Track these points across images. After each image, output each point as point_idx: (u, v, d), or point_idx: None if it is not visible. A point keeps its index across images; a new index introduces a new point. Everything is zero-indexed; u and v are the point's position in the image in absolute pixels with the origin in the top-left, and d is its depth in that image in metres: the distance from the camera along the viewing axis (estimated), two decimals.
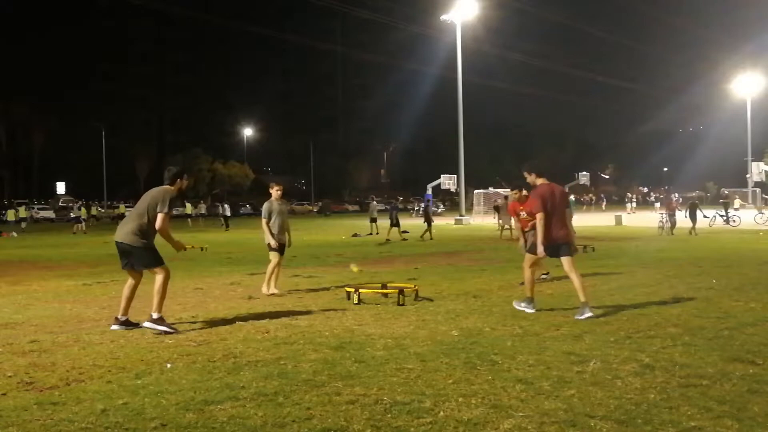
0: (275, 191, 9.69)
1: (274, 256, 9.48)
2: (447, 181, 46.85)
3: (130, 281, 6.87)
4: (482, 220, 38.85)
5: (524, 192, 9.85)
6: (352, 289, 8.51)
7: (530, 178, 7.77)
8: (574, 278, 7.28)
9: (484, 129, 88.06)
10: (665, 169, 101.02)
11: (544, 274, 10.46)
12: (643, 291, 9.03)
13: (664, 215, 24.33)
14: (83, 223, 33.71)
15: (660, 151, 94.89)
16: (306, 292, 9.58)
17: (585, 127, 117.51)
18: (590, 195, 75.97)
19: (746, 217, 29.45)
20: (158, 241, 6.82)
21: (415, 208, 56.76)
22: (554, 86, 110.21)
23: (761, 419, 3.82)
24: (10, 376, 4.95)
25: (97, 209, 52.45)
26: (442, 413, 3.97)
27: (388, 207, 31.92)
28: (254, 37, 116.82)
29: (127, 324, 6.77)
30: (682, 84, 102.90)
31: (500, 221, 24.61)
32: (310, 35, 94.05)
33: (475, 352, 5.48)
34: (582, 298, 7.12)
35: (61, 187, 77.82)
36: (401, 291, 8.25)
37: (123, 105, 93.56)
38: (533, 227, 7.99)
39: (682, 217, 24.44)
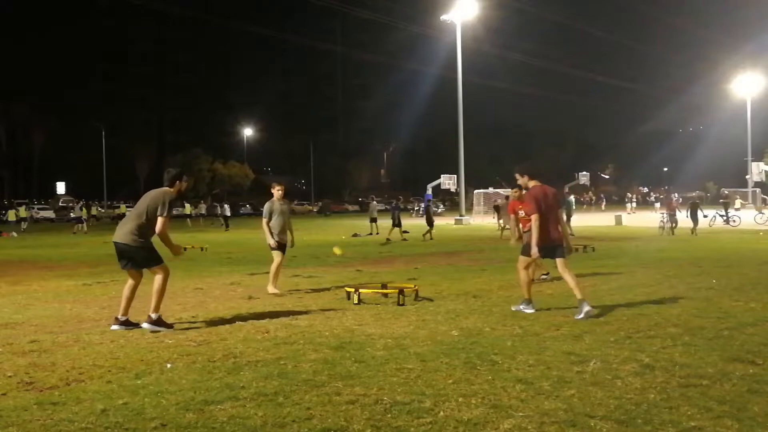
0: (277, 191, 9.73)
1: (276, 255, 9.51)
2: (447, 181, 46.89)
3: (131, 281, 6.88)
4: (482, 220, 38.85)
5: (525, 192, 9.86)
6: (352, 289, 8.51)
7: (522, 181, 7.80)
8: (568, 278, 7.33)
9: (484, 129, 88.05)
10: (665, 169, 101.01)
11: (544, 274, 10.47)
12: (643, 291, 9.03)
13: (664, 215, 24.33)
14: (84, 223, 33.73)
15: (660, 151, 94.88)
16: (306, 292, 9.59)
17: (585, 127, 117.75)
18: (590, 195, 75.98)
19: (746, 217, 29.44)
20: (156, 241, 6.83)
21: (416, 208, 56.77)
22: (554, 86, 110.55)
23: (761, 419, 3.82)
24: (10, 376, 4.96)
25: (97, 209, 52.47)
26: (442, 413, 3.97)
27: (389, 207, 31.92)
28: (254, 37, 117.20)
29: (127, 324, 6.77)
30: (682, 84, 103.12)
31: (500, 221, 24.62)
32: (310, 35, 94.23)
33: (475, 352, 5.48)
34: (578, 296, 7.15)
35: (61, 187, 77.87)
36: (401, 291, 8.25)
37: (123, 105, 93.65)
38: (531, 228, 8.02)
39: (683, 218, 24.43)
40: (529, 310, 7.43)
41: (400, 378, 4.76)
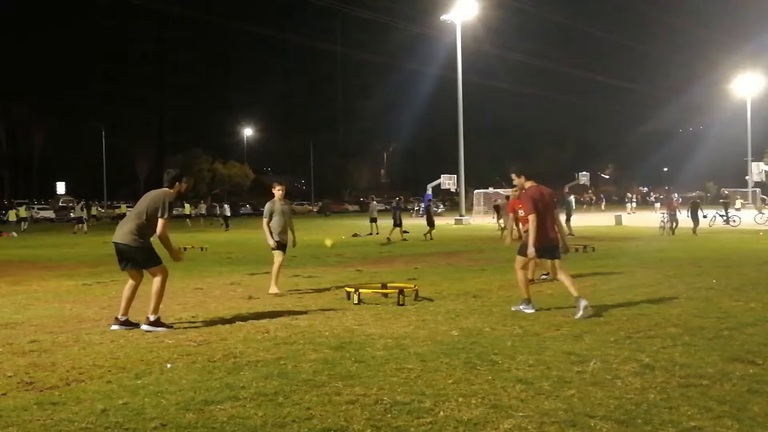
0: (277, 191, 9.74)
1: (277, 255, 9.52)
2: (447, 181, 46.90)
3: (131, 282, 6.88)
4: (482, 220, 38.83)
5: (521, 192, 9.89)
6: (352, 289, 8.51)
7: (518, 181, 7.82)
8: (563, 278, 7.40)
9: (484, 129, 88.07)
10: (665, 169, 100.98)
11: (544, 274, 10.47)
12: (643, 291, 9.03)
13: (665, 215, 24.33)
14: (84, 224, 33.74)
15: (660, 151, 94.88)
16: (306, 292, 9.59)
17: (585, 127, 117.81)
18: (590, 195, 75.96)
19: (746, 217, 29.45)
20: (155, 243, 6.83)
21: (416, 208, 56.76)
22: (554, 86, 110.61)
23: (761, 419, 3.82)
24: (10, 376, 4.96)
25: (97, 209, 52.46)
26: (442, 413, 3.97)
27: (389, 207, 31.90)
28: (254, 37, 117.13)
29: (127, 324, 6.78)
30: (682, 84, 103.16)
31: (500, 221, 24.61)
32: (310, 35, 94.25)
33: (475, 352, 5.48)
34: (574, 293, 7.18)
35: (61, 187, 77.84)
36: (401, 291, 8.25)
37: (123, 105, 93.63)
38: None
39: (683, 218, 24.42)
40: (529, 310, 7.43)
41: (400, 378, 4.76)
